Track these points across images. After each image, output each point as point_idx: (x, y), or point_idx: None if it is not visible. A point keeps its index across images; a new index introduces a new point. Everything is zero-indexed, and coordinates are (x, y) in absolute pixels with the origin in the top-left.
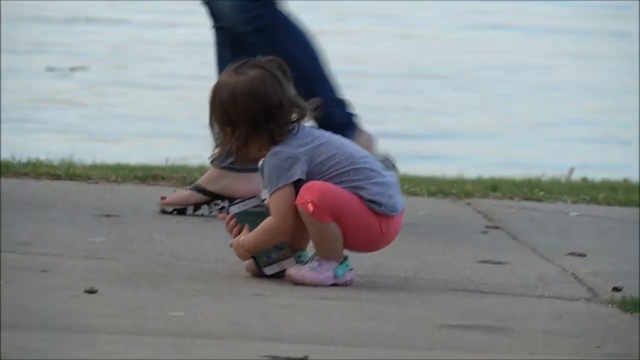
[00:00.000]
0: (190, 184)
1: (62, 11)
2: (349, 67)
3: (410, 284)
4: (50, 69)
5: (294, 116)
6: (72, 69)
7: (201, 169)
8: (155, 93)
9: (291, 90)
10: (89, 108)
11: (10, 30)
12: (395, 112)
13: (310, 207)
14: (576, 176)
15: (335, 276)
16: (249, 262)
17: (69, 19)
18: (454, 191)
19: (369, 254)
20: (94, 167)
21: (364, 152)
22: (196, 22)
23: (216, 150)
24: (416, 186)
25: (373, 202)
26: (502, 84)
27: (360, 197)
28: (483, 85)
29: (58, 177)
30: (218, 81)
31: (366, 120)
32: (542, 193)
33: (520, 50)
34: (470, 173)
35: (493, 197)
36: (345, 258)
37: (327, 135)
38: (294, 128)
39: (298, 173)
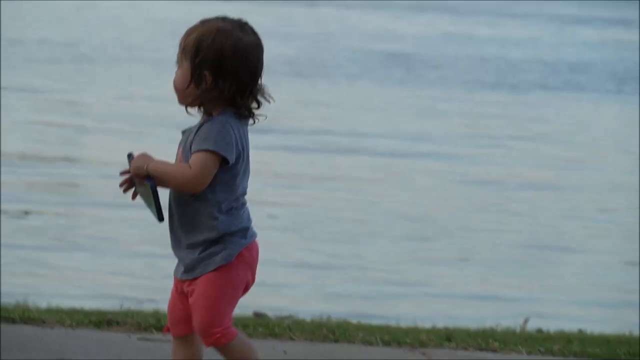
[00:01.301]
0: (145, 329)
1: None
2: None
3: None
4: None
5: (254, 104)
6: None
7: (155, 314)
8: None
9: None
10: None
11: None
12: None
13: (223, 340)
14: (531, 326)
15: None
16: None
17: None
18: (408, 341)
19: None
20: (49, 310)
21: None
22: None
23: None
24: (370, 335)
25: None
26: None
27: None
28: None
29: (13, 321)
30: (216, 25)
31: None
32: (497, 344)
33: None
34: (424, 322)
35: (448, 347)
36: None
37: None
38: (250, 114)
39: (232, 156)
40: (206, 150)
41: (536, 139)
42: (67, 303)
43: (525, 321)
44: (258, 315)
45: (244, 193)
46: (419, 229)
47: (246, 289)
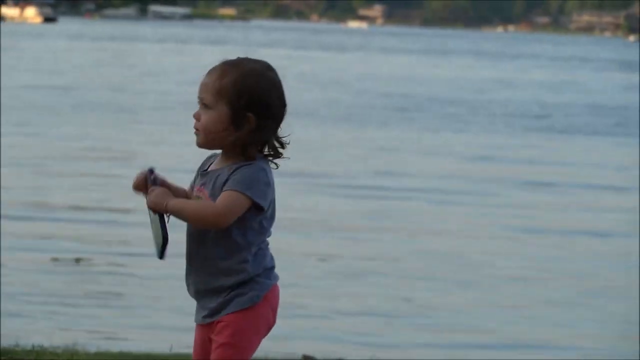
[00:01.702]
0: None
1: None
2: None
3: None
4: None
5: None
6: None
7: None
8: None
9: None
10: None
11: None
12: None
13: None
14: None
15: None
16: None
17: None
18: None
19: None
20: (98, 354)
21: None
22: None
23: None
24: None
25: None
26: None
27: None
28: None
29: None
30: (250, 67)
31: None
32: None
33: None
34: None
35: None
36: None
37: None
38: (279, 155)
39: (265, 203)
40: (238, 192)
41: None
42: (116, 347)
43: None
44: (307, 358)
45: (270, 234)
46: None
47: (268, 330)
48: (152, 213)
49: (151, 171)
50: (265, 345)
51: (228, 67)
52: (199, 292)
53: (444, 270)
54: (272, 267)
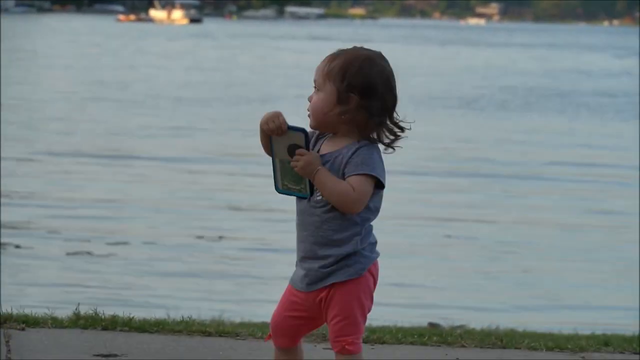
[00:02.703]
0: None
1: None
2: None
3: None
4: None
5: (396, 130)
6: None
7: None
8: None
9: None
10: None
11: None
12: None
13: (351, 349)
14: None
15: None
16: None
17: None
18: (569, 346)
19: None
20: (242, 325)
21: None
22: None
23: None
24: (535, 341)
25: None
26: None
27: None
28: None
29: (209, 334)
30: (361, 52)
31: None
32: None
33: None
34: (584, 329)
35: (605, 351)
36: None
37: None
38: (393, 140)
39: (385, 182)
40: (367, 175)
41: None
42: (258, 318)
43: None
44: (433, 325)
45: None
46: None
47: (372, 302)
48: (284, 162)
49: (304, 131)
50: (392, 314)
51: (339, 52)
52: (306, 259)
53: None
54: (375, 242)
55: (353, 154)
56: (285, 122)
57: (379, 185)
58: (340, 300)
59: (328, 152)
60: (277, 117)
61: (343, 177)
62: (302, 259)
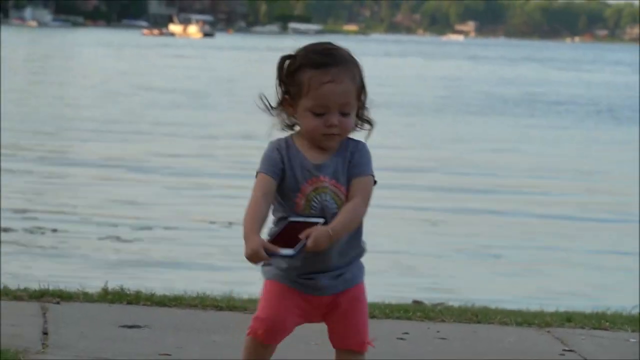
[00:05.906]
0: None
1: None
2: None
3: None
4: None
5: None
6: None
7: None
8: None
9: None
10: None
11: None
12: None
13: (367, 347)
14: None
15: None
16: (262, 246)
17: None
18: (536, 322)
19: None
20: (250, 300)
21: None
22: None
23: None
24: (506, 317)
25: None
26: None
27: None
28: None
29: (220, 308)
30: (352, 58)
31: None
32: (607, 324)
33: None
34: (549, 307)
35: (568, 327)
36: None
37: None
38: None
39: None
40: (368, 175)
41: None
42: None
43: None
44: (417, 302)
45: None
46: None
47: None
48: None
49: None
50: (380, 292)
51: (345, 66)
52: (322, 269)
53: None
54: None
55: (353, 154)
56: (266, 255)
57: None
58: (361, 300)
59: (322, 162)
60: (257, 258)
61: (348, 180)
62: (318, 271)
